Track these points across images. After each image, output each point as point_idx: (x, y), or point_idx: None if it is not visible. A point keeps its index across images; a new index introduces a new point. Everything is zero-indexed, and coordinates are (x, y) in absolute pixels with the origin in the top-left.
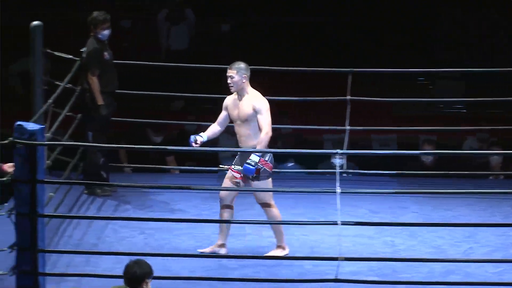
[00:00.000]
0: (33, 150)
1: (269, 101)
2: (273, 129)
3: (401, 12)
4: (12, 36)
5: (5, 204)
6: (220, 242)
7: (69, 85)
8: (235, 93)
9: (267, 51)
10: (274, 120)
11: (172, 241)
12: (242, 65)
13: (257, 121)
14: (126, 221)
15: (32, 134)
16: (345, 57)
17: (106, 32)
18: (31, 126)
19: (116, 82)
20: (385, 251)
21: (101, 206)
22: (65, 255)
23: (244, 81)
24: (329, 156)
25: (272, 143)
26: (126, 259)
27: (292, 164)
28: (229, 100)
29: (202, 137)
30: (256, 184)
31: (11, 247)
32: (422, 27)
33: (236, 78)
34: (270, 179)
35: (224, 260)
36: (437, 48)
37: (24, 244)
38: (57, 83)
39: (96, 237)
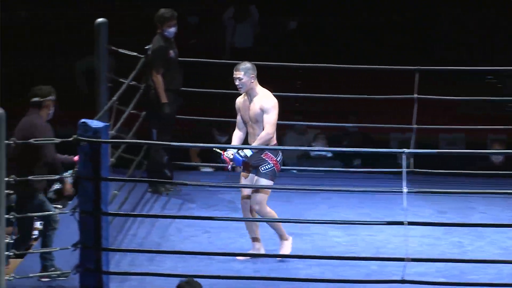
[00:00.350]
0: (97, 147)
1: (336, 99)
2: (339, 128)
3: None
4: (77, 33)
5: (69, 202)
6: (257, 246)
7: (133, 83)
8: (244, 93)
9: (332, 49)
10: (340, 119)
11: (237, 240)
12: (248, 65)
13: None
14: (191, 220)
15: (96, 131)
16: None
17: (172, 30)
18: (95, 123)
19: (181, 80)
20: (452, 252)
21: (165, 204)
22: (128, 253)
23: (252, 81)
24: (395, 156)
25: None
26: (190, 258)
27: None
28: (239, 102)
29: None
30: (261, 183)
31: (75, 245)
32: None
33: (244, 79)
34: (272, 182)
35: (290, 260)
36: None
37: (88, 243)
38: (122, 80)
39: (160, 236)
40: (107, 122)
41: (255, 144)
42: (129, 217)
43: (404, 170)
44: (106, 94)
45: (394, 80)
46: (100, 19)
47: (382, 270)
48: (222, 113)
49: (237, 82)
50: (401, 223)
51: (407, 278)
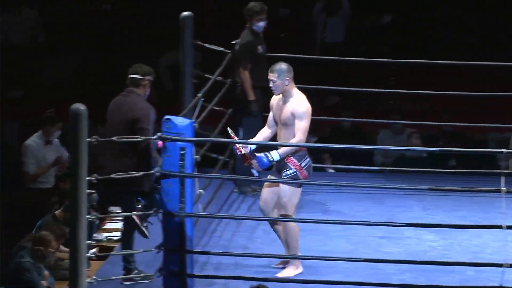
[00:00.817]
0: (181, 145)
1: (433, 96)
2: (434, 127)
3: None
4: (160, 29)
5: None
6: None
7: (219, 78)
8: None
9: (427, 45)
10: (435, 118)
11: (326, 243)
12: (284, 66)
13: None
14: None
15: (180, 129)
16: None
17: (262, 24)
18: (180, 120)
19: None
20: None
21: (252, 205)
22: (214, 256)
23: (286, 84)
24: (493, 156)
25: (433, 141)
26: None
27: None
28: (274, 100)
29: (252, 148)
30: (283, 189)
31: (158, 247)
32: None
33: (278, 81)
34: (300, 189)
35: (381, 265)
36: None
37: (171, 245)
38: (207, 76)
39: (246, 238)
40: (192, 119)
41: (281, 150)
42: (214, 219)
43: (503, 171)
44: (191, 90)
45: (492, 76)
46: (185, 13)
47: (479, 276)
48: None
49: (270, 84)
50: (499, 227)
51: (505, 284)
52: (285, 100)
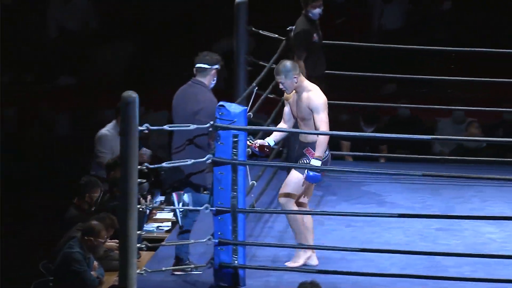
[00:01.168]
0: (235, 133)
1: (493, 84)
2: (494, 116)
3: None
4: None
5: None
6: (309, 253)
7: (274, 66)
8: None
9: (489, 32)
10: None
11: (382, 235)
12: (287, 65)
13: (313, 120)
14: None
15: (234, 116)
16: None
17: (317, 11)
18: (233, 107)
19: (324, 65)
20: None
21: None
22: (266, 247)
23: (296, 82)
24: None
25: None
26: (330, 254)
27: None
28: (289, 96)
29: (268, 142)
30: (292, 174)
31: (210, 238)
32: None
33: (287, 82)
34: (296, 173)
35: (438, 258)
36: None
37: (223, 236)
38: (262, 63)
39: None
40: (245, 106)
41: (316, 153)
42: (267, 209)
43: None
44: (245, 77)
45: None
46: None
47: None
48: (371, 100)
49: (280, 86)
50: None
51: None
52: (299, 96)
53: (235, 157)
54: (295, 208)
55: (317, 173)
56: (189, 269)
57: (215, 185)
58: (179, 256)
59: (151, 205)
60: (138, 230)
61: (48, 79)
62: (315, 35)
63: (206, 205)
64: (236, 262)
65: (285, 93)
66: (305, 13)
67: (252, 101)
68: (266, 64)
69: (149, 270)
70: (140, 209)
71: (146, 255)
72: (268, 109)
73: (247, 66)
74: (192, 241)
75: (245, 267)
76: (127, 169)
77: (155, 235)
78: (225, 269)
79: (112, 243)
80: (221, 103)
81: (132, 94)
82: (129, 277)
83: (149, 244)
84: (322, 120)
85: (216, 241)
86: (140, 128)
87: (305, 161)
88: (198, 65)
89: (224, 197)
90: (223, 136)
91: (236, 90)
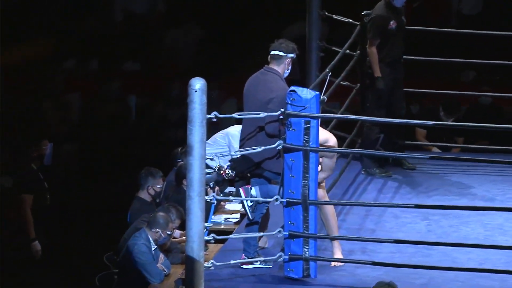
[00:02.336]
0: (306, 120)
1: None
2: None
3: None
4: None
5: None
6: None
7: (347, 52)
8: None
9: None
10: None
11: (460, 229)
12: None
13: None
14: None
15: (306, 102)
16: None
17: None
18: (305, 92)
19: (400, 52)
20: None
21: (380, 188)
22: (339, 240)
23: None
24: None
25: None
26: (406, 248)
27: None
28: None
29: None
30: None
31: (280, 231)
32: None
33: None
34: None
35: None
36: None
37: (294, 228)
38: (335, 49)
39: (374, 222)
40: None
41: None
42: (339, 200)
43: None
44: (317, 63)
45: None
46: None
47: None
48: (447, 87)
49: None
50: None
51: None
52: None
53: (306, 143)
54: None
55: None
56: (258, 262)
57: (285, 173)
58: (248, 249)
59: (219, 196)
60: (206, 222)
61: (113, 65)
62: (392, 22)
63: (277, 196)
64: (307, 254)
65: None
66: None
67: (325, 88)
68: (339, 50)
69: (217, 263)
70: (208, 200)
71: (214, 247)
72: (341, 96)
73: (320, 52)
74: (262, 233)
75: (316, 259)
76: (194, 158)
77: (223, 227)
78: (296, 262)
79: (181, 238)
80: (292, 88)
81: (200, 81)
82: (196, 271)
83: (217, 237)
84: None
85: (287, 233)
86: (208, 116)
87: None
88: (273, 52)
89: (295, 185)
90: (294, 123)
91: (308, 77)
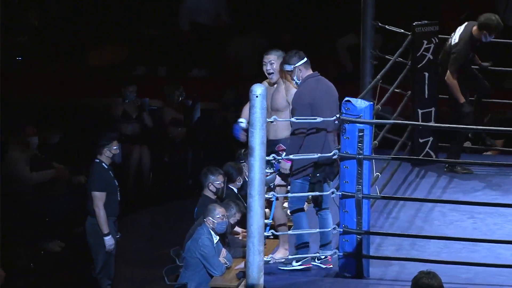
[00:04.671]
0: (360, 127)
1: None
2: None
3: None
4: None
5: (331, 182)
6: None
7: (399, 60)
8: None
9: None
10: None
11: (504, 227)
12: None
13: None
14: (455, 204)
15: (360, 111)
16: None
17: (491, 38)
18: (359, 102)
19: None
20: None
21: (429, 187)
22: (390, 237)
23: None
24: None
25: None
26: (453, 244)
27: None
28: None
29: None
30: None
31: (334, 228)
32: None
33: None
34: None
35: None
36: None
37: (348, 225)
38: (387, 57)
39: (423, 220)
40: (371, 101)
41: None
42: (390, 200)
43: None
44: (371, 71)
45: None
46: None
47: None
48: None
49: (268, 67)
50: None
51: None
52: (277, 88)
53: (360, 151)
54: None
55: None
56: (314, 258)
57: (340, 178)
58: (300, 245)
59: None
60: (266, 219)
61: (180, 72)
62: (471, 54)
63: (333, 189)
64: (360, 252)
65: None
66: (476, 34)
67: (378, 94)
68: (391, 58)
69: (276, 258)
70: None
71: (272, 243)
72: (394, 102)
73: (373, 61)
74: (317, 230)
75: (369, 257)
76: (254, 159)
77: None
78: (349, 259)
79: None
80: (347, 98)
81: (261, 87)
82: (256, 264)
83: (276, 232)
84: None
85: (341, 230)
86: (269, 119)
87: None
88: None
89: (349, 190)
90: (348, 130)
91: (362, 84)
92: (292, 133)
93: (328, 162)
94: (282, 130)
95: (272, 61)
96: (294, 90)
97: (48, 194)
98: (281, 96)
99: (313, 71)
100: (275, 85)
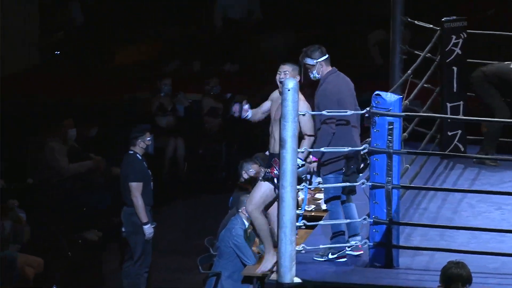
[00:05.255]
0: (390, 120)
1: None
2: None
3: None
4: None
5: (360, 174)
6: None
7: (428, 55)
8: None
9: None
10: None
11: None
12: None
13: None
14: (484, 196)
15: (389, 104)
16: None
17: None
18: (389, 96)
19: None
20: None
21: (457, 179)
22: (419, 228)
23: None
24: None
25: None
26: (481, 235)
27: None
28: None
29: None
30: (259, 184)
31: (365, 218)
32: None
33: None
34: (274, 193)
35: None
36: None
37: (378, 215)
38: (416, 52)
39: (452, 211)
40: (400, 95)
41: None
42: (420, 191)
43: None
44: (400, 66)
45: None
46: None
47: None
48: None
49: (281, 76)
50: None
51: None
52: None
53: (390, 144)
54: (262, 216)
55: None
56: (345, 248)
57: (371, 170)
58: (335, 235)
59: (310, 186)
60: (297, 210)
61: (214, 66)
62: None
63: (363, 180)
64: (390, 242)
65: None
66: None
67: (407, 89)
68: (420, 53)
69: (308, 247)
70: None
71: (304, 233)
72: (423, 96)
73: (402, 55)
74: (348, 220)
75: (398, 247)
76: (286, 151)
77: (313, 214)
78: (379, 249)
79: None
80: (377, 92)
81: (293, 81)
82: (288, 254)
83: (308, 223)
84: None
85: (371, 221)
86: (300, 112)
87: (268, 171)
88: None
89: (379, 181)
90: (378, 124)
91: (391, 78)
92: (320, 129)
93: (355, 155)
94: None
95: (286, 72)
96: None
97: (85, 185)
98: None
99: (338, 67)
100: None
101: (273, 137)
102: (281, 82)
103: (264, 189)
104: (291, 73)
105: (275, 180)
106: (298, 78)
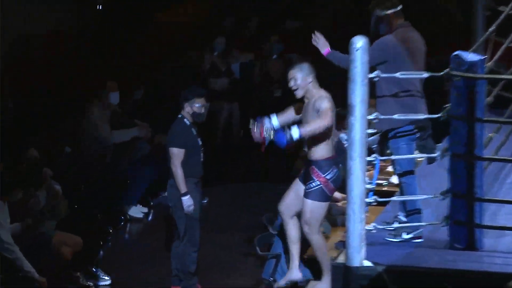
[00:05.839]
0: (472, 84)
1: None
2: None
3: None
4: None
5: (438, 145)
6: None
7: None
8: None
9: None
10: None
11: None
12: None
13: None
14: None
15: (471, 65)
16: None
17: None
18: (470, 56)
19: None
20: None
21: None
22: (506, 205)
23: (309, 83)
24: None
25: None
26: None
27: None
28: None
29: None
30: (305, 203)
31: (443, 193)
32: None
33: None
34: (325, 203)
35: None
36: None
37: (458, 191)
38: (501, 8)
39: None
40: (483, 55)
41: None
42: (506, 164)
43: None
44: (483, 24)
45: None
46: None
47: None
48: None
49: (292, 84)
50: None
51: None
52: (308, 102)
53: (472, 111)
54: (320, 236)
55: (283, 139)
56: (421, 227)
57: (450, 138)
58: (407, 213)
59: (382, 157)
60: (368, 183)
61: (274, 24)
62: None
63: (438, 152)
64: (472, 221)
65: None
66: None
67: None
68: (505, 9)
69: (378, 226)
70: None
71: (375, 210)
72: (509, 57)
73: (486, 11)
74: (424, 196)
75: (482, 227)
76: (355, 118)
77: (385, 188)
78: (460, 228)
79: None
80: (456, 52)
81: (362, 39)
82: (357, 233)
83: (379, 199)
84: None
85: (450, 196)
86: (370, 75)
87: (312, 184)
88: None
89: (459, 150)
90: (459, 87)
91: (473, 37)
92: (386, 95)
93: (426, 121)
94: (316, 151)
95: (294, 77)
96: (324, 97)
97: (129, 155)
98: (310, 108)
99: (409, 22)
100: (306, 100)
101: (305, 144)
102: (294, 90)
103: (311, 207)
104: (301, 73)
105: (323, 188)
106: (310, 79)
